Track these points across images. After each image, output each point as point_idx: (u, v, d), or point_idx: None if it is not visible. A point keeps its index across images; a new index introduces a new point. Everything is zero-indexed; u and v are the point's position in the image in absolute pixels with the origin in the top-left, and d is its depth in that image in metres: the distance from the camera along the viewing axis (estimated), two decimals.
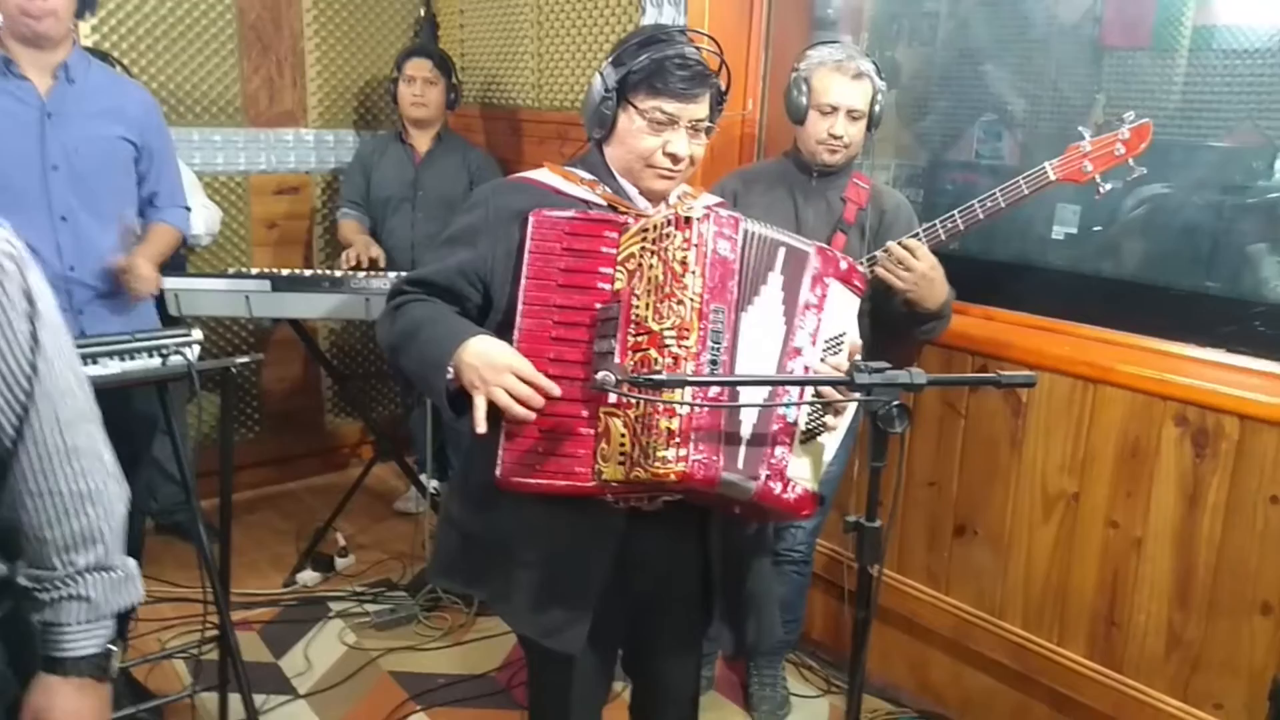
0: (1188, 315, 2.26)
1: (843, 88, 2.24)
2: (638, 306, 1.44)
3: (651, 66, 1.51)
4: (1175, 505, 2.08)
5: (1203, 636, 2.06)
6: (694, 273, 1.42)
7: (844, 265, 1.61)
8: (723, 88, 1.59)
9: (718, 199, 1.76)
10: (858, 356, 1.59)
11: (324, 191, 3.84)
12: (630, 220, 1.51)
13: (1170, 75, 2.63)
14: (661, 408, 1.38)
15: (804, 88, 2.29)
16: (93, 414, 1.18)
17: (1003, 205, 2.07)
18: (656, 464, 1.38)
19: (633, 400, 1.40)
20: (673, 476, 1.38)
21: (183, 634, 2.78)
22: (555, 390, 1.43)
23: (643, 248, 1.46)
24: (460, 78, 3.53)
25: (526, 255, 1.48)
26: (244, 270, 3.21)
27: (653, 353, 1.41)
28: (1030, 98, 2.91)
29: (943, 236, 2.15)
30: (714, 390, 1.41)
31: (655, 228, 1.46)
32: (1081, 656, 2.25)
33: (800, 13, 3.02)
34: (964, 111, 3.06)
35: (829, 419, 1.58)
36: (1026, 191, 2.05)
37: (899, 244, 2.12)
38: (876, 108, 2.29)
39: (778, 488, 1.49)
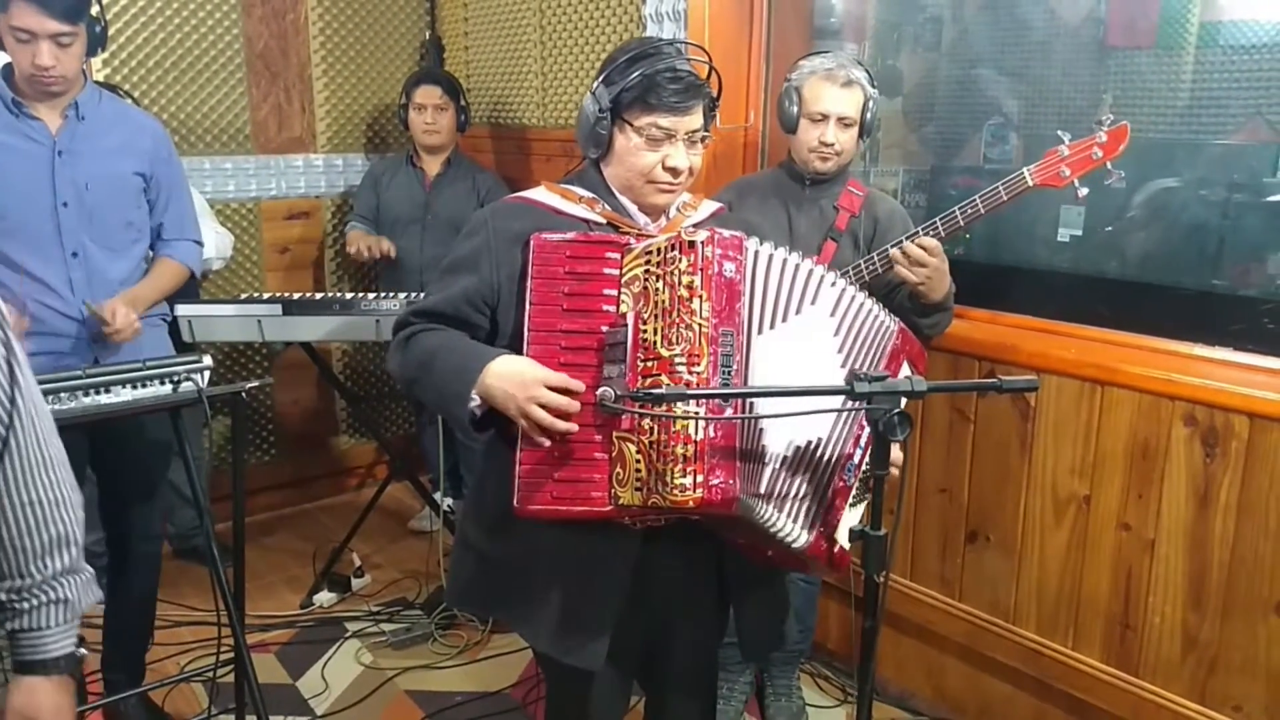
0: (1195, 314, 2.26)
1: (832, 95, 2.26)
2: (645, 331, 1.44)
3: (644, 83, 1.51)
4: (1187, 506, 2.07)
5: (1219, 638, 2.04)
6: (701, 297, 1.42)
7: (917, 351, 1.71)
8: (714, 95, 1.59)
9: (717, 204, 1.75)
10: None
11: (334, 215, 3.88)
12: (631, 240, 1.51)
13: (1177, 73, 2.63)
14: (676, 434, 1.39)
15: (794, 97, 2.30)
16: (53, 426, 1.25)
17: (983, 211, 2.08)
18: (674, 491, 1.39)
19: (645, 426, 1.41)
20: (690, 504, 1.39)
21: (200, 657, 2.80)
22: (580, 387, 1.43)
23: (647, 270, 1.46)
24: (468, 100, 3.56)
25: (529, 280, 1.48)
26: (255, 295, 3.24)
27: (663, 378, 1.41)
28: (1036, 100, 2.92)
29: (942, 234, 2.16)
30: (730, 411, 1.42)
31: (659, 250, 1.45)
32: (1097, 661, 2.24)
33: (801, 24, 3.04)
34: (970, 116, 3.07)
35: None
36: (1005, 197, 2.05)
37: (916, 244, 2.12)
38: (868, 115, 2.30)
39: (822, 545, 1.53)
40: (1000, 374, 2.34)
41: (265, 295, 3.15)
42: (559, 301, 1.48)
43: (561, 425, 1.43)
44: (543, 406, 1.42)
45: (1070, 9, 2.93)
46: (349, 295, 3.13)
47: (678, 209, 1.66)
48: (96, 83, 3.01)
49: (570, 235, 1.50)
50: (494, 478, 1.55)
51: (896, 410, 1.44)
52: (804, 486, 1.52)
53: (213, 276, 3.54)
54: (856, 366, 1.57)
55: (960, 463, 2.46)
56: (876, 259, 2.22)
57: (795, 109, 2.29)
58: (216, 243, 3.24)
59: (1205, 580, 2.06)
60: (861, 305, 1.59)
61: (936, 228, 2.14)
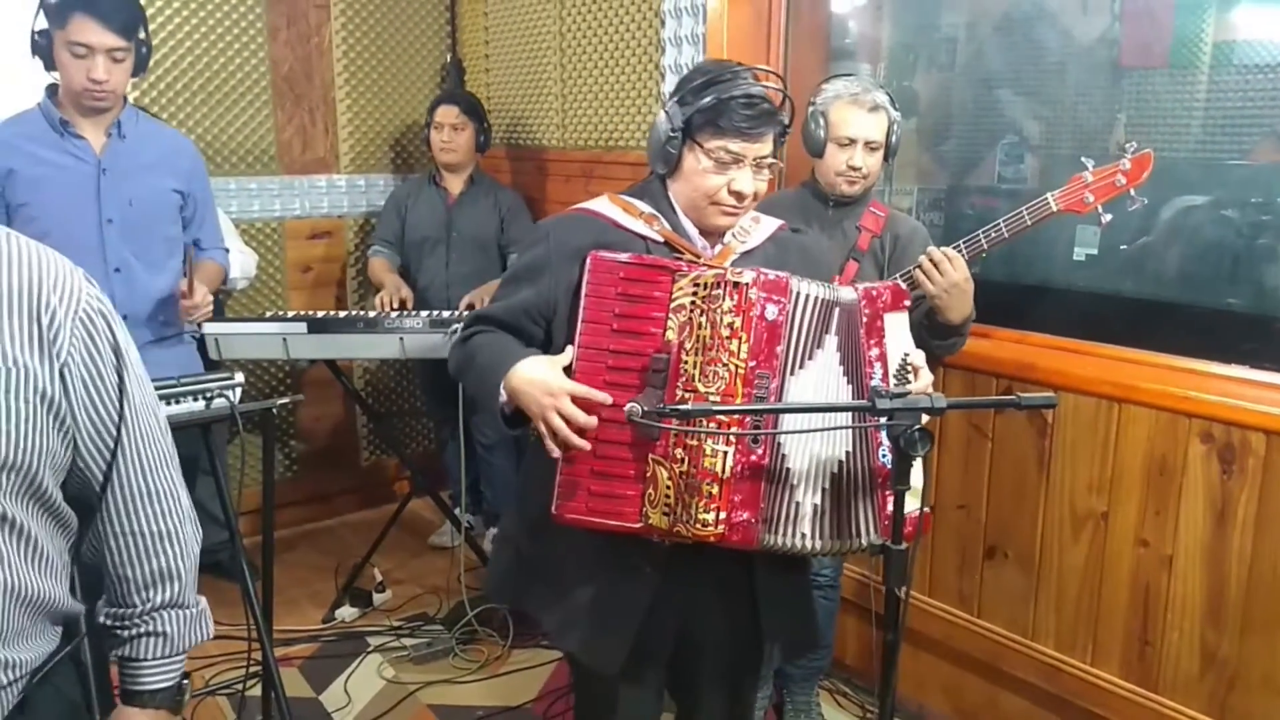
0: (1211, 332, 2.28)
1: (860, 120, 2.29)
2: (686, 362, 1.48)
3: (718, 106, 1.52)
4: (1204, 522, 2.08)
5: (1238, 655, 2.05)
6: (741, 338, 1.46)
7: (887, 296, 1.61)
8: (786, 123, 1.61)
9: (778, 223, 1.75)
10: (924, 369, 1.61)
11: (357, 235, 3.94)
12: (684, 265, 1.53)
13: (1191, 93, 2.66)
14: (704, 470, 1.44)
15: (821, 121, 2.34)
16: (172, 458, 1.26)
17: (1006, 236, 2.11)
18: (696, 525, 1.45)
19: (678, 455, 1.45)
20: (711, 539, 1.45)
21: (225, 671, 2.84)
22: (608, 399, 1.46)
23: (693, 301, 1.49)
24: (489, 121, 3.62)
25: (583, 298, 1.51)
26: (280, 313, 3.30)
27: None
28: (1051, 120, 2.94)
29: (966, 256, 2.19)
30: (759, 449, 1.46)
31: (706, 285, 1.48)
32: (1116, 677, 2.25)
33: (817, 45, 3.09)
34: (985, 136, 3.09)
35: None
36: (1029, 222, 2.08)
37: (940, 250, 2.15)
38: (893, 138, 2.33)
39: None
40: (1017, 391, 2.37)
41: (290, 313, 3.20)
42: (609, 321, 1.51)
43: (576, 440, 1.47)
44: (564, 417, 1.46)
45: (1084, 30, 2.96)
46: (373, 314, 3.18)
47: (734, 235, 1.67)
48: None
49: (626, 257, 1.52)
50: (538, 478, 1.59)
51: (917, 426, 1.46)
52: (836, 502, 1.54)
53: (237, 295, 3.60)
54: (853, 366, 1.56)
55: (978, 479, 2.48)
56: (900, 278, 2.25)
57: (822, 133, 2.32)
58: (241, 262, 3.30)
59: (1224, 597, 2.07)
60: (833, 303, 1.56)
61: (960, 249, 2.17)
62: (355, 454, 4.11)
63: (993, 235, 2.15)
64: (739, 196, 1.57)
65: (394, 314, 3.16)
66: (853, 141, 2.30)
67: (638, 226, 1.63)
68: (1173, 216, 2.55)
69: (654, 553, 1.59)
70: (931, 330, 2.27)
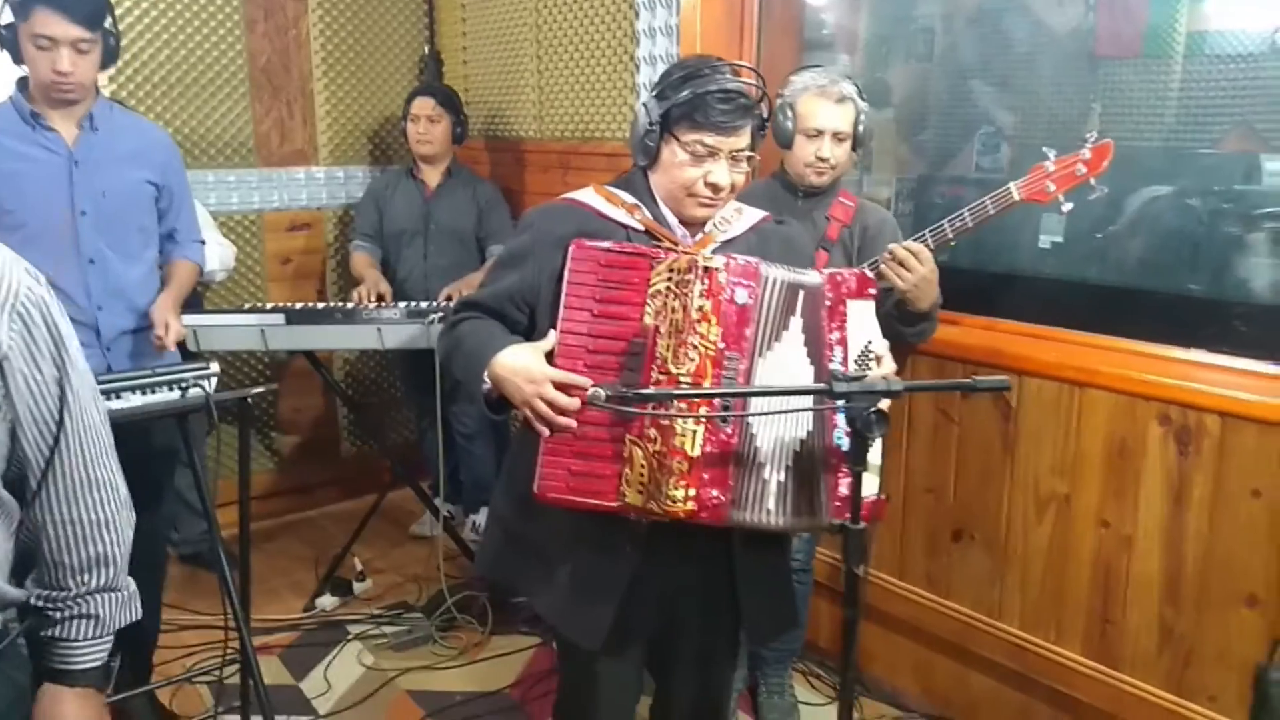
0: (1171, 317, 2.33)
1: (827, 111, 2.33)
2: (660, 346, 1.52)
3: (694, 101, 1.55)
4: (1162, 503, 2.13)
5: (1194, 630, 2.11)
6: (710, 321, 1.50)
7: (853, 282, 1.65)
8: (764, 117, 1.64)
9: (762, 214, 1.78)
10: (888, 358, 1.66)
11: (336, 226, 3.96)
12: (662, 253, 1.57)
13: (1165, 82, 2.70)
14: (674, 449, 1.48)
15: (789, 113, 2.37)
16: (110, 447, 1.28)
17: (970, 225, 2.15)
18: (666, 501, 1.49)
19: (651, 435, 1.49)
20: (681, 515, 1.49)
21: (205, 659, 2.86)
22: (588, 384, 1.49)
23: (668, 287, 1.53)
24: (466, 113, 3.64)
25: (565, 284, 1.55)
26: (259, 305, 3.31)
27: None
28: (1026, 110, 2.99)
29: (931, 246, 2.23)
30: (728, 429, 1.50)
31: (679, 270, 1.52)
32: (1079, 655, 2.30)
33: (791, 37, 3.11)
34: (962, 126, 3.14)
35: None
36: (992, 211, 2.13)
37: (904, 247, 2.19)
38: (860, 128, 2.37)
39: (846, 511, 1.56)
40: (980, 376, 2.42)
41: (269, 305, 3.21)
42: (590, 307, 1.55)
43: (561, 421, 1.51)
44: (547, 402, 1.50)
45: (1059, 20, 3.00)
46: (350, 305, 3.20)
47: (714, 224, 1.70)
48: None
49: (607, 245, 1.56)
50: (524, 459, 1.62)
51: (874, 409, 1.50)
52: (799, 480, 1.57)
53: (216, 287, 3.61)
54: (815, 349, 1.60)
55: (945, 463, 2.53)
56: (867, 268, 2.29)
57: (790, 125, 2.36)
58: (220, 255, 3.31)
59: (1180, 575, 2.12)
60: (798, 286, 1.59)
61: (925, 239, 2.21)
62: (336, 445, 4.13)
63: (957, 225, 2.19)
64: (715, 189, 1.60)
65: (371, 305, 3.19)
66: (820, 133, 2.33)
67: (620, 216, 1.67)
68: (1141, 205, 2.59)
69: (634, 531, 1.62)
70: (902, 319, 2.31)
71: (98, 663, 1.28)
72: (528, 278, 1.64)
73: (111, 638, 1.30)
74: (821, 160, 2.35)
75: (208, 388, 2.11)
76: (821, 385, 1.54)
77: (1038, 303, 2.51)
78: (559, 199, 1.73)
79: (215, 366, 2.14)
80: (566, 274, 1.55)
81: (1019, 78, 3.01)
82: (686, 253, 1.58)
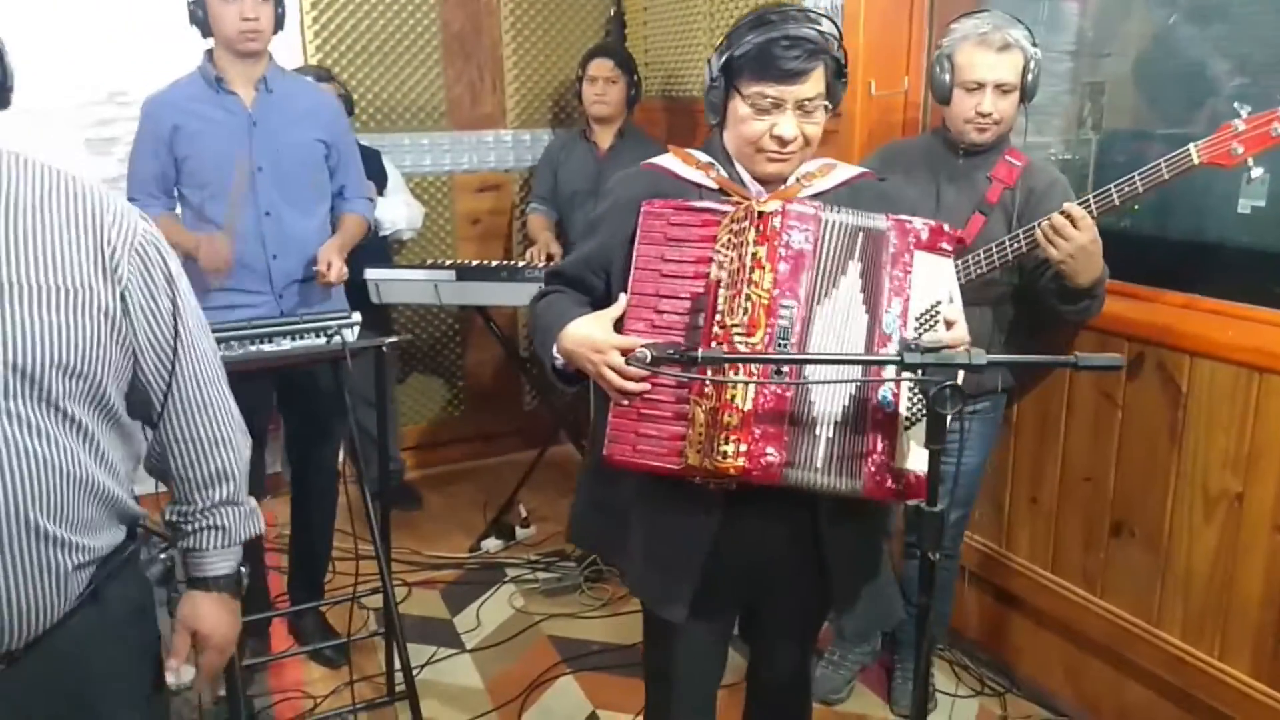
0: None
1: (988, 62, 2.15)
2: (721, 300, 1.48)
3: (753, 51, 1.50)
4: None
5: None
6: (764, 268, 1.45)
7: (925, 233, 1.53)
8: (840, 61, 1.55)
9: (859, 170, 1.69)
10: (960, 323, 1.53)
11: (522, 188, 4.11)
12: (731, 207, 1.53)
13: None
14: (726, 403, 1.43)
15: (947, 65, 2.22)
16: (223, 376, 1.42)
17: (1140, 190, 1.93)
18: (718, 457, 1.44)
19: (708, 392, 1.45)
20: (732, 471, 1.44)
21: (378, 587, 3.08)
22: (639, 344, 1.47)
23: (729, 240, 1.49)
24: (643, 74, 3.65)
25: (636, 245, 1.54)
26: (439, 262, 3.51)
27: (724, 348, 1.44)
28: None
29: (1095, 213, 2.02)
30: (780, 380, 1.44)
31: (736, 220, 1.48)
32: (1245, 675, 2.03)
33: None
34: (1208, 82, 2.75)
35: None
36: (1167, 175, 1.90)
37: (1062, 212, 2.01)
38: (1029, 78, 2.17)
39: (887, 481, 1.48)
40: (1151, 356, 2.17)
41: (446, 262, 3.40)
42: (659, 266, 1.53)
43: (631, 386, 1.50)
44: (615, 369, 1.50)
45: None
46: (520, 263, 3.33)
47: (798, 178, 1.63)
48: (310, 67, 3.38)
49: (676, 202, 1.54)
50: (602, 427, 1.64)
51: (949, 383, 1.39)
52: (847, 438, 1.48)
53: (410, 244, 3.85)
54: (871, 297, 1.49)
55: (1107, 450, 2.29)
56: (1022, 236, 2.11)
57: (948, 78, 2.21)
58: (408, 215, 3.53)
59: None
60: (858, 229, 1.49)
61: (1089, 204, 2.01)
62: (519, 397, 4.32)
63: (1125, 190, 1.98)
64: (781, 141, 1.53)
65: (539, 265, 3.29)
66: (981, 86, 2.17)
67: (694, 175, 1.63)
68: None
69: (710, 500, 1.59)
70: (1061, 295, 2.12)
71: (229, 570, 1.42)
72: (604, 241, 1.63)
73: (240, 548, 1.44)
74: (983, 116, 2.18)
75: (349, 336, 2.26)
76: (892, 357, 1.44)
77: (1229, 275, 2.22)
78: (642, 164, 1.70)
79: (357, 315, 2.30)
80: (637, 234, 1.54)
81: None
82: (745, 198, 1.52)
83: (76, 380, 1.19)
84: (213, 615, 1.41)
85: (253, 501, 1.46)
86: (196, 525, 1.39)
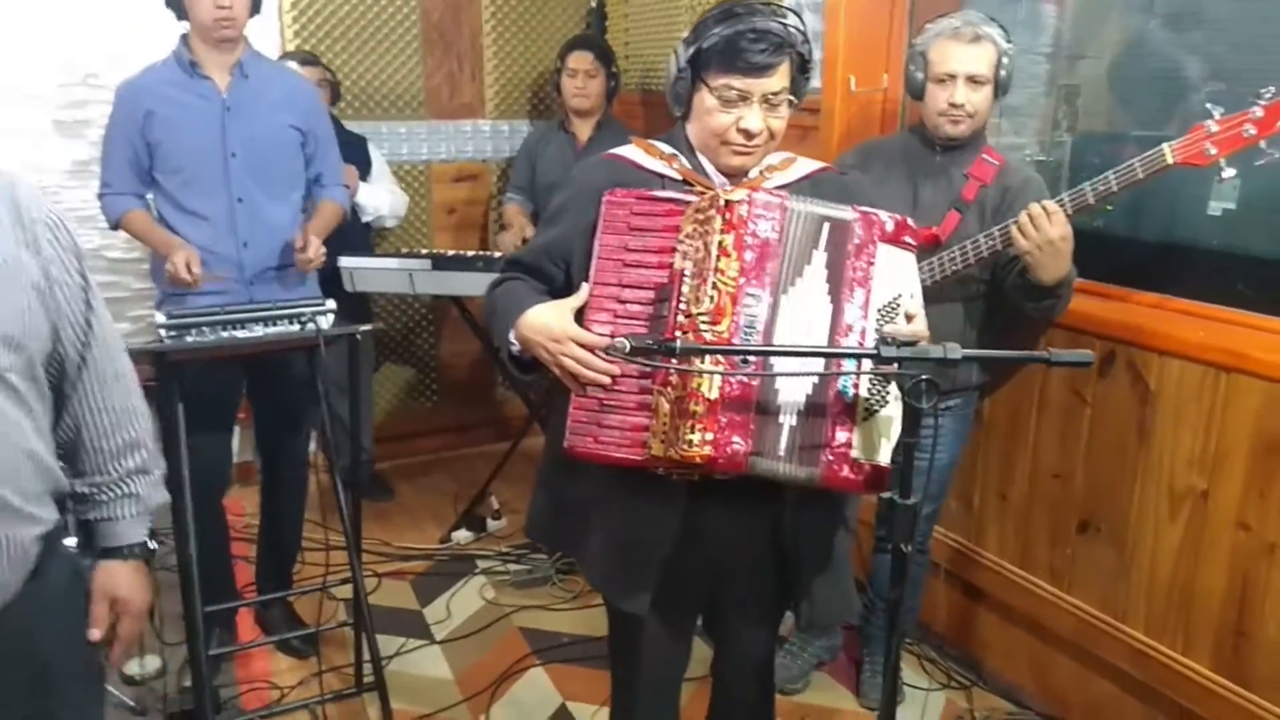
0: None
1: (959, 54, 2.18)
2: (684, 289, 1.47)
3: (720, 44, 1.50)
4: None
5: None
6: (730, 256, 1.44)
7: (889, 225, 1.53)
8: (804, 56, 1.56)
9: (819, 165, 1.70)
10: (920, 317, 1.54)
11: (499, 179, 4.09)
12: (694, 199, 1.53)
13: None
14: (692, 392, 1.43)
15: (920, 61, 2.24)
16: (123, 344, 1.44)
17: (1115, 189, 1.95)
18: (683, 445, 1.43)
19: (673, 381, 1.45)
20: (698, 459, 1.43)
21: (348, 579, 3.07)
22: (604, 341, 1.48)
23: (694, 229, 1.48)
24: (622, 66, 3.64)
25: (599, 235, 1.54)
26: (415, 251, 3.49)
27: (690, 336, 1.44)
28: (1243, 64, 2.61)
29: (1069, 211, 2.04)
30: (747, 369, 1.44)
31: (701, 210, 1.48)
32: (1207, 669, 2.06)
33: None
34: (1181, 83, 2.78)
35: (892, 387, 1.53)
36: (1141, 175, 1.92)
37: (1038, 204, 2.02)
38: (1002, 72, 2.20)
39: (844, 470, 1.48)
40: (1121, 355, 2.20)
41: (421, 251, 3.37)
42: (621, 256, 1.52)
43: (589, 374, 1.49)
44: (574, 359, 1.49)
45: None
46: (496, 254, 3.31)
47: (760, 171, 1.64)
48: (295, 51, 3.35)
49: (639, 192, 1.54)
50: (560, 418, 1.63)
51: (924, 377, 1.39)
52: (809, 427, 1.48)
53: (386, 233, 3.82)
54: (835, 287, 1.49)
55: (1075, 447, 2.32)
56: (997, 234, 2.13)
57: (920, 74, 2.23)
58: (391, 202, 3.51)
59: None
60: (823, 218, 1.50)
61: (1064, 203, 2.03)
62: (492, 389, 4.30)
63: (1100, 188, 2.00)
64: (747, 135, 1.53)
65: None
66: (952, 77, 2.19)
67: (657, 166, 1.62)
68: None
69: (671, 497, 1.59)
70: (1026, 291, 2.13)
71: (142, 538, 1.45)
72: (565, 230, 1.62)
73: (151, 516, 1.46)
74: (954, 107, 2.20)
75: (323, 323, 2.25)
76: (869, 350, 1.45)
77: (1199, 276, 2.25)
78: (604, 154, 1.69)
79: (331, 303, 2.28)
80: (599, 225, 1.53)
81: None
82: (709, 189, 1.52)
83: (16, 353, 1.22)
84: (129, 582, 1.43)
85: (162, 465, 1.49)
86: (110, 495, 1.42)
